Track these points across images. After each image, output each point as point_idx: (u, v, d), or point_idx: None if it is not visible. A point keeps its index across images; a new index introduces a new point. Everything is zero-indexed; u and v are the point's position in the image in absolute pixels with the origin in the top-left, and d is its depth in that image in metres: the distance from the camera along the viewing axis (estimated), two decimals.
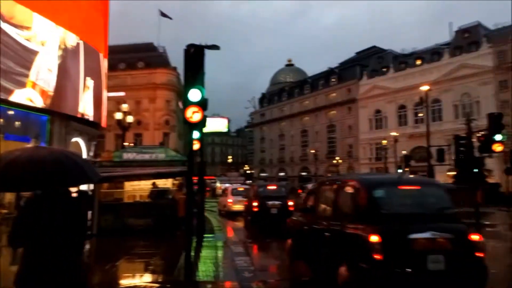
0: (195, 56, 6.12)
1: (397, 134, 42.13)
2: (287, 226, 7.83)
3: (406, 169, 35.22)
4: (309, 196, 7.37)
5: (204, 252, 8.73)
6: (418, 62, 51.03)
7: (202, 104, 5.89)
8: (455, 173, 30.89)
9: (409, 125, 50.19)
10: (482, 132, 15.46)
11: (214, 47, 7.88)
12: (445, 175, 36.40)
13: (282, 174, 72.04)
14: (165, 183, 12.78)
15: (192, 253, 6.61)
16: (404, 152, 39.19)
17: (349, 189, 5.58)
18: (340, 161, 53.12)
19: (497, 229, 14.96)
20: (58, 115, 13.19)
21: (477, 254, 4.71)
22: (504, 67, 41.18)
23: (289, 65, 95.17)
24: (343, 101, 60.34)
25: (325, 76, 66.04)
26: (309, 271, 6.47)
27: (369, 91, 56.03)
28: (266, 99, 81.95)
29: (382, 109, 54.44)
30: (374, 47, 65.05)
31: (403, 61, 53.92)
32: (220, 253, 8.88)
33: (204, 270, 7.00)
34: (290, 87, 76.88)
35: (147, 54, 51.27)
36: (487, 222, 16.53)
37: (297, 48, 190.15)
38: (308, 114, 67.69)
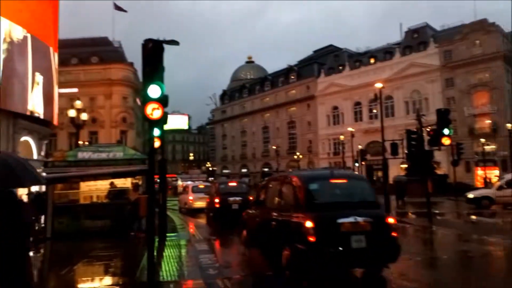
0: (153, 51, 5.95)
1: (354, 130, 43.76)
2: (243, 219, 8.59)
3: (363, 163, 36.75)
4: (260, 191, 8.16)
5: (167, 252, 8.58)
6: (372, 60, 53.28)
7: (163, 101, 5.75)
8: (407, 165, 32.83)
9: (365, 121, 52.32)
10: (431, 127, 16.50)
11: (174, 42, 7.69)
12: (398, 167, 38.44)
13: (244, 170, 72.27)
14: (124, 183, 12.36)
15: (155, 253, 6.48)
16: (360, 146, 40.80)
17: (290, 184, 6.52)
18: (300, 156, 54.29)
19: (446, 217, 16.08)
20: (4, 112, 12.29)
21: (392, 234, 5.83)
22: (449, 66, 44.14)
23: (250, 62, 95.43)
24: (302, 98, 61.60)
25: (285, 74, 67.02)
26: (266, 261, 7.14)
27: (327, 88, 57.65)
28: (227, 95, 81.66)
29: (339, 105, 56.27)
30: (330, 45, 66.96)
31: (358, 59, 56.04)
32: (183, 252, 8.77)
33: (168, 269, 6.89)
34: (250, 84, 77.15)
35: (101, 49, 49.06)
36: (437, 211, 17.74)
37: (257, 45, 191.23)
38: (269, 110, 68.37)
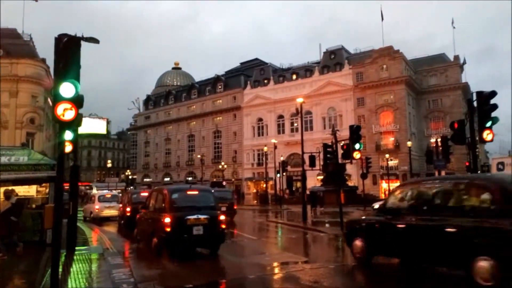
0: (69, 46, 5.49)
1: (276, 141, 45.46)
2: (136, 220, 11.19)
3: (284, 174, 38.27)
4: (148, 197, 10.90)
5: (76, 267, 7.87)
6: (294, 76, 56.37)
7: (76, 101, 5.26)
8: (323, 177, 35.13)
9: (287, 134, 54.75)
10: (344, 142, 17.93)
11: (93, 40, 7.23)
12: (315, 179, 40.87)
13: (167, 179, 69.94)
14: (28, 191, 11.07)
15: (60, 269, 5.89)
16: (282, 158, 42.49)
17: (162, 194, 9.57)
18: (225, 166, 54.49)
19: None
20: None
21: (222, 226, 9.08)
22: (361, 87, 48.71)
23: (177, 68, 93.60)
24: (229, 108, 62.22)
25: (212, 83, 67.14)
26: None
27: (252, 100, 59.18)
28: (152, 101, 78.66)
29: (264, 117, 58.09)
30: (256, 59, 69.17)
31: (282, 74, 58.83)
32: (94, 267, 8.13)
33: (75, 287, 6.32)
34: (177, 91, 75.56)
35: (8, 41, 43.66)
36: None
37: (185, 52, 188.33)
38: (195, 118, 67.58)
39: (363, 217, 9.21)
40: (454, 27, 50.99)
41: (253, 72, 62.36)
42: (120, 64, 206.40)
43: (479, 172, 37.08)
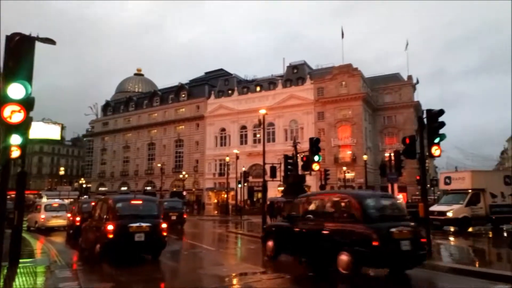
0: (20, 46, 5.23)
1: (239, 152, 45.49)
2: (81, 229, 11.79)
3: (245, 184, 38.26)
4: (94, 207, 11.45)
5: (19, 281, 7.33)
6: (258, 88, 57.15)
7: (26, 103, 4.99)
8: (283, 188, 35.52)
9: (249, 144, 55.06)
10: (304, 154, 18.34)
11: (49, 40, 6.93)
12: (276, 189, 41.29)
13: (124, 188, 67.37)
14: None
15: (2, 284, 5.47)
16: (244, 168, 42.53)
17: (107, 203, 9.95)
18: (186, 175, 53.54)
19: None
20: None
21: (163, 233, 9.54)
22: (321, 101, 50.30)
23: (139, 74, 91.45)
24: (192, 117, 61.60)
25: (176, 91, 66.25)
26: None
27: (216, 110, 59.06)
28: (111, 107, 75.98)
29: (227, 127, 58.08)
30: (221, 69, 69.39)
31: (246, 86, 59.40)
32: (40, 280, 7.61)
33: None
34: (138, 97, 73.70)
35: None
36: None
37: (148, 60, 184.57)
38: (156, 127, 66.12)
39: (275, 223, 11.31)
40: (406, 50, 54.30)
41: (218, 82, 62.41)
42: (79, 68, 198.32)
43: (428, 185, 39.23)
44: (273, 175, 25.31)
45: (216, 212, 46.24)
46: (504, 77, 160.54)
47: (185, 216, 21.25)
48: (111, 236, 8.86)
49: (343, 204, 8.10)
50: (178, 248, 13.09)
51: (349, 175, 45.39)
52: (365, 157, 37.87)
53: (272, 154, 44.08)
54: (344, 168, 43.75)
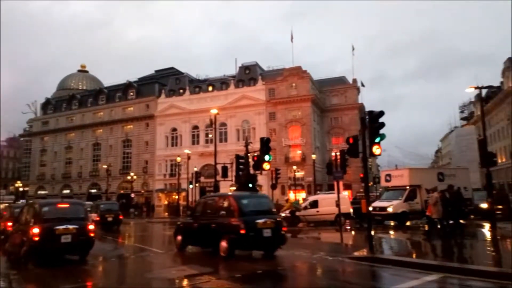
0: None
1: (190, 152, 44.86)
2: (8, 234, 11.81)
3: (197, 185, 37.78)
4: (21, 211, 11.31)
5: None
6: (210, 88, 56.77)
7: None
8: (235, 188, 35.65)
9: (201, 144, 54.50)
10: (256, 153, 18.58)
11: None
12: (228, 189, 41.24)
13: (67, 191, 63.43)
14: None
15: None
16: (195, 169, 42.02)
17: (33, 207, 10.19)
18: (134, 177, 51.61)
19: None
20: None
21: (90, 234, 9.83)
22: (272, 102, 51.22)
23: (83, 71, 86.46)
24: (141, 116, 59.57)
25: (124, 89, 63.65)
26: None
27: (167, 109, 57.67)
28: (52, 105, 71.05)
29: (178, 127, 56.96)
30: (172, 68, 67.87)
31: (198, 85, 58.72)
32: None
33: None
34: (82, 95, 69.80)
35: None
36: None
37: (95, 57, 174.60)
38: (102, 126, 63.02)
39: (183, 221, 12.73)
40: (353, 54, 57.19)
41: (169, 81, 60.97)
42: (18, 63, 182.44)
43: (371, 183, 41.37)
44: (225, 175, 25.33)
45: (166, 214, 45.17)
46: (438, 82, 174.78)
47: (121, 218, 22.59)
48: (37, 238, 9.07)
49: (226, 203, 10.30)
50: (125, 252, 12.65)
51: (299, 174, 46.69)
52: (313, 156, 39.22)
53: (225, 154, 44.01)
54: (294, 167, 44.93)
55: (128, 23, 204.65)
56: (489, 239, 13.60)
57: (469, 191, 20.86)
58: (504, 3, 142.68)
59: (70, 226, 9.43)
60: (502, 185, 43.20)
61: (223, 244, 9.54)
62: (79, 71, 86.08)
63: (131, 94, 62.76)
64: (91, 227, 10.04)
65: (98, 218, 21.42)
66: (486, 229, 16.35)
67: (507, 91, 47.03)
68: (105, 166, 53.67)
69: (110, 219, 21.83)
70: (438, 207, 13.04)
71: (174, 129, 57.29)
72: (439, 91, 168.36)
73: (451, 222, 13.58)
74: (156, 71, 69.94)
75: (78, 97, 68.59)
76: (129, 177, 50.79)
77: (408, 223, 18.75)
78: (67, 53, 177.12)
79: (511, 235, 14.45)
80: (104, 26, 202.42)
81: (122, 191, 56.73)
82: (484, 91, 20.84)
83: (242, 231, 9.21)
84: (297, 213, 21.33)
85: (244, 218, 9.45)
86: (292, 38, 53.27)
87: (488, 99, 51.01)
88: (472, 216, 20.63)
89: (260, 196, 12.44)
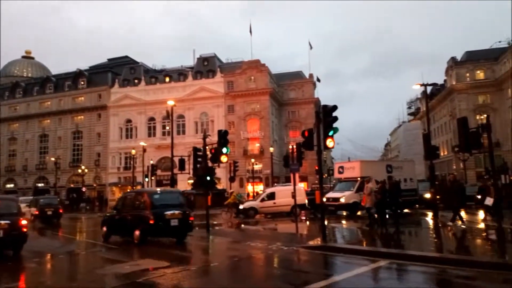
0: None
1: (146, 145, 43.58)
2: None
3: (153, 178, 36.86)
4: None
5: None
6: (167, 79, 55.32)
7: None
8: (192, 181, 35.25)
9: (158, 137, 53.15)
10: (213, 146, 18.43)
11: None
12: (186, 182, 40.74)
13: (10, 185, 59.15)
14: None
15: None
16: (151, 161, 40.93)
17: None
18: (86, 170, 49.19)
19: (222, 227, 18.12)
20: None
21: (23, 229, 9.83)
22: (231, 95, 51.05)
23: (28, 57, 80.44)
24: (92, 106, 56.80)
25: (73, 78, 60.23)
26: None
27: (121, 100, 55.44)
28: None
29: (133, 119, 55.03)
30: (126, 57, 65.17)
31: (154, 76, 56.95)
32: None
33: None
34: (27, 83, 65.08)
35: None
36: (215, 222, 19.78)
37: (43, 44, 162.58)
38: (50, 116, 59.35)
39: (109, 214, 13.73)
40: (311, 49, 58.32)
41: (123, 70, 58.50)
42: None
43: (325, 175, 42.56)
44: (182, 167, 24.96)
45: None
46: (388, 80, 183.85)
47: (60, 211, 23.30)
48: None
49: (141, 198, 11.98)
50: (74, 248, 12.10)
51: (257, 167, 47.13)
52: (271, 149, 39.77)
53: (182, 147, 43.34)
54: (253, 160, 45.27)
55: (80, 9, 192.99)
56: (432, 227, 14.66)
57: (415, 182, 22.22)
58: (449, 4, 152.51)
59: (2, 222, 9.53)
60: (444, 176, 46.64)
61: (136, 233, 11.14)
62: (23, 57, 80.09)
63: (82, 83, 59.52)
64: (24, 222, 10.17)
65: (37, 212, 21.91)
66: (429, 217, 17.60)
67: (449, 89, 50.59)
68: (53, 159, 50.56)
69: (49, 213, 22.27)
70: (372, 197, 13.80)
71: (129, 121, 55.29)
72: (389, 88, 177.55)
73: (388, 211, 14.41)
74: (109, 60, 66.79)
75: (23, 85, 63.85)
76: (79, 170, 48.36)
77: (359, 213, 19.62)
78: (11, 38, 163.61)
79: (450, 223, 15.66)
80: (53, 13, 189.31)
81: (72, 185, 53.90)
82: (429, 88, 22.26)
83: (151, 222, 10.86)
84: (254, 205, 21.59)
85: (154, 211, 11.06)
86: (251, 31, 53.15)
87: (433, 96, 54.59)
88: (417, 205, 22.11)
89: (171, 191, 14.27)
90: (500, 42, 50.18)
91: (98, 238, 13.23)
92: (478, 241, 10.90)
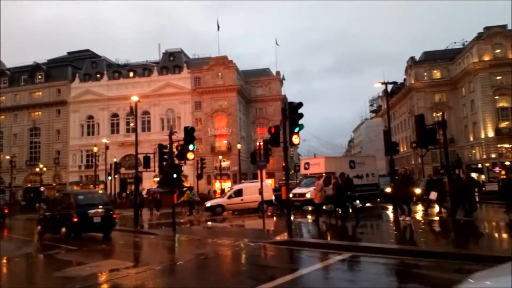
0: None
1: (109, 142, 42.10)
2: None
3: (116, 176, 35.71)
4: None
5: None
6: (131, 74, 53.70)
7: None
8: (158, 179, 34.51)
9: (121, 134, 51.51)
10: (179, 143, 18.12)
11: None
12: (151, 180, 39.83)
13: None
14: None
15: None
16: (115, 159, 39.62)
17: None
18: (44, 169, 46.75)
19: (188, 225, 17.89)
20: None
21: None
22: (198, 91, 50.43)
23: None
24: (51, 102, 54.08)
25: (30, 71, 56.96)
26: None
27: (82, 95, 53.18)
28: None
29: (95, 115, 52.99)
30: (88, 50, 62.51)
31: (117, 70, 55.10)
32: None
33: None
34: None
35: None
36: (182, 220, 19.50)
37: None
38: (4, 112, 55.81)
39: (45, 213, 15.04)
40: (278, 45, 58.78)
41: (84, 65, 56.06)
42: None
43: (292, 171, 43.07)
44: (147, 165, 24.29)
45: None
46: (352, 78, 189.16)
47: (6, 211, 24.38)
48: None
49: (68, 199, 13.72)
50: (30, 250, 11.51)
51: (225, 164, 46.96)
52: (239, 146, 39.75)
53: (148, 144, 42.35)
54: (220, 157, 45.05)
55: (33, 3, 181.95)
56: (392, 220, 15.29)
57: (376, 177, 23.06)
58: (410, 5, 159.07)
59: None
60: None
61: (63, 229, 12.68)
62: None
63: (39, 77, 56.42)
64: None
65: None
66: (390, 211, 18.34)
67: (409, 87, 52.90)
68: (8, 157, 47.57)
69: None
70: (322, 193, 14.24)
71: (91, 117, 53.18)
72: (352, 86, 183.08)
73: (340, 206, 14.95)
74: (69, 53, 63.73)
75: None
76: (37, 169, 45.88)
77: (324, 207, 20.10)
78: None
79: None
80: (7, 3, 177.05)
81: (29, 184, 51.14)
82: (389, 87, 23.17)
83: (75, 219, 12.40)
84: (221, 203, 21.54)
85: (78, 210, 12.65)
86: (218, 27, 52.66)
87: (393, 94, 56.87)
88: (378, 199, 22.97)
89: (95, 192, 17.39)
90: (455, 43, 53.17)
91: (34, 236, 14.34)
92: (435, 232, 11.52)
